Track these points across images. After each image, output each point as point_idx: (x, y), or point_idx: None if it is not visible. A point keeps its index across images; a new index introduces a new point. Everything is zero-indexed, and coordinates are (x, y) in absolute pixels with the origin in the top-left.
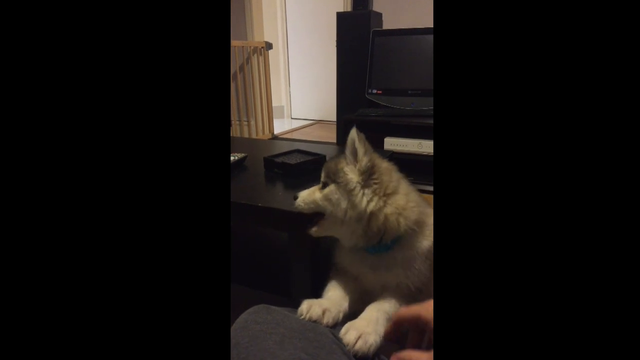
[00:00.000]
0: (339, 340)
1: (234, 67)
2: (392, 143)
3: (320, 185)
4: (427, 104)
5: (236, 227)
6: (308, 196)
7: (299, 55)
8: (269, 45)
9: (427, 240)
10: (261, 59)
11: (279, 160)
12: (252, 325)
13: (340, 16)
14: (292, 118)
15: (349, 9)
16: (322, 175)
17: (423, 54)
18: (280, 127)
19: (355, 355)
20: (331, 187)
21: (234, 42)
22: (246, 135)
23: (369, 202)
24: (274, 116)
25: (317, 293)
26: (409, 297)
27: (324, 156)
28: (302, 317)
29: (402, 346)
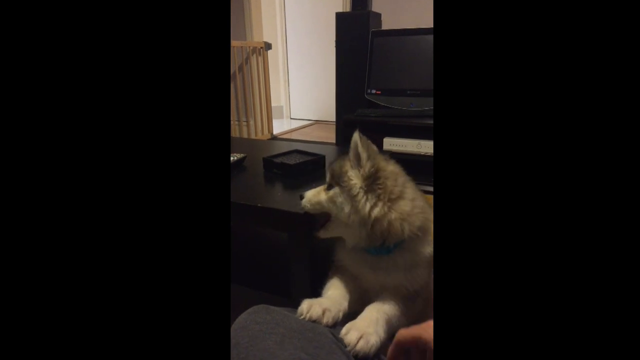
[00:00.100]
0: (338, 340)
1: (233, 67)
2: (391, 143)
3: (325, 185)
4: (426, 104)
5: (235, 228)
6: (314, 197)
7: (298, 55)
8: (268, 46)
9: (430, 247)
10: (260, 59)
11: (278, 160)
12: (251, 325)
13: (340, 16)
14: (291, 118)
15: (348, 9)
16: (328, 176)
17: (422, 54)
18: (279, 127)
19: (356, 356)
20: (335, 190)
21: (233, 43)
22: (245, 135)
23: (372, 207)
24: (273, 116)
25: (316, 293)
26: (407, 298)
27: (323, 156)
28: (303, 317)
29: None
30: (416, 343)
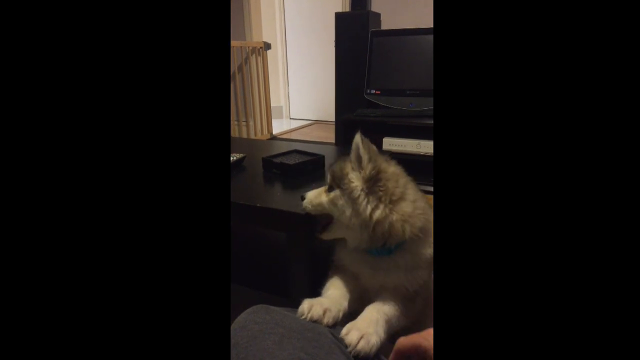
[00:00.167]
0: (337, 340)
1: (232, 67)
2: (390, 143)
3: (326, 187)
4: (425, 104)
5: (235, 227)
6: (315, 198)
7: (298, 55)
8: (267, 46)
9: (430, 248)
10: (260, 59)
11: (277, 160)
12: (250, 325)
13: (339, 16)
14: (290, 118)
15: (347, 9)
16: (328, 178)
17: (422, 54)
18: (278, 127)
19: (356, 356)
20: (336, 193)
21: (232, 43)
22: (245, 135)
23: (374, 209)
24: (272, 116)
25: (315, 293)
26: (407, 298)
27: (323, 156)
28: (304, 317)
29: None
30: (416, 351)
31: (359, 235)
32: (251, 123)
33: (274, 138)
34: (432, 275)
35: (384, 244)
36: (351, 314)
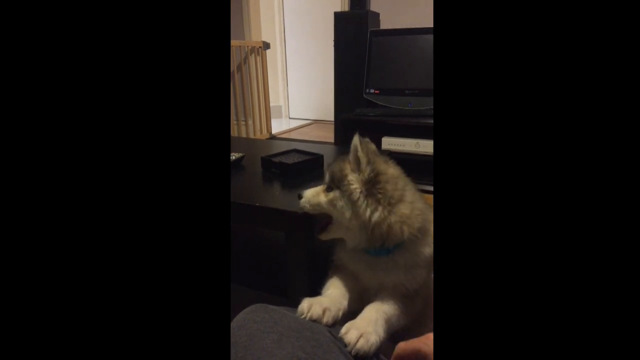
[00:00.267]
0: (336, 339)
1: (231, 67)
2: (389, 143)
3: (324, 186)
4: (424, 104)
5: (234, 227)
6: (313, 197)
7: (297, 55)
8: (266, 45)
9: (429, 248)
10: (259, 58)
11: (276, 159)
12: (249, 324)
13: (338, 16)
14: (289, 118)
15: (346, 8)
16: (327, 178)
17: (421, 54)
18: (277, 126)
19: (355, 355)
20: (335, 194)
21: (231, 42)
22: (244, 135)
23: (373, 212)
24: (271, 116)
25: (314, 292)
26: (406, 298)
27: (322, 156)
28: (303, 316)
29: None
30: (416, 356)
31: (358, 235)
32: (250, 122)
33: (273, 137)
34: (432, 275)
35: (383, 244)
36: (351, 313)
